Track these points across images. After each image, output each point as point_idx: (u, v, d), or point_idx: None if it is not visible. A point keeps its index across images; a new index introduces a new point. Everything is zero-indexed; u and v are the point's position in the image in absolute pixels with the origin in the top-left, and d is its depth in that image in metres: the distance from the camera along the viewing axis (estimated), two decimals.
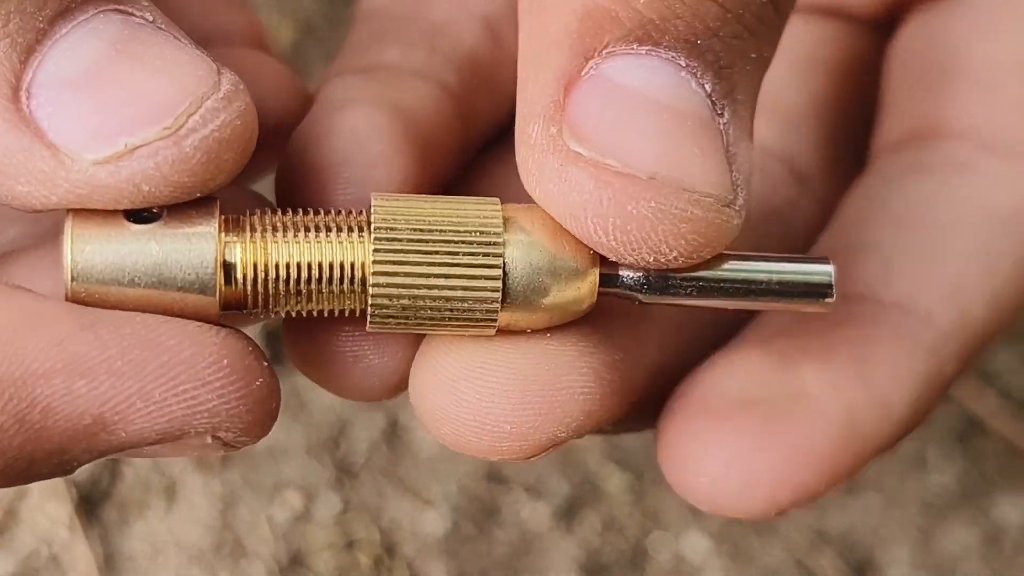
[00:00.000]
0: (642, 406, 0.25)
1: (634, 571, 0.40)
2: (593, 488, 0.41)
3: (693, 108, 0.21)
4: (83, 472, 0.37)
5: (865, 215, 0.28)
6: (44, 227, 0.26)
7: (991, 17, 0.29)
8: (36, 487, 0.38)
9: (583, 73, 0.20)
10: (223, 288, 0.21)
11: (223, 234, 0.21)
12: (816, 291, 0.22)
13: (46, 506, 0.39)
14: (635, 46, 0.20)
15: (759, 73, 0.22)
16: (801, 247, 0.28)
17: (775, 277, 0.22)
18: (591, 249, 0.21)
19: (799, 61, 0.30)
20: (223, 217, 0.21)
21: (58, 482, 0.38)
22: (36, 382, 0.19)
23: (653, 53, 0.20)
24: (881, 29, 0.31)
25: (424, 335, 0.22)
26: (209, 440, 0.21)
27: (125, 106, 0.20)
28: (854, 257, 0.27)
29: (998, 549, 0.42)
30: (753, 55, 0.21)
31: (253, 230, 0.21)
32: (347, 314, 0.22)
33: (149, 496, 0.39)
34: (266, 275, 0.21)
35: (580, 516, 0.41)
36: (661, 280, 0.22)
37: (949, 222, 0.27)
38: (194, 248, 0.21)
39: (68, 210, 0.21)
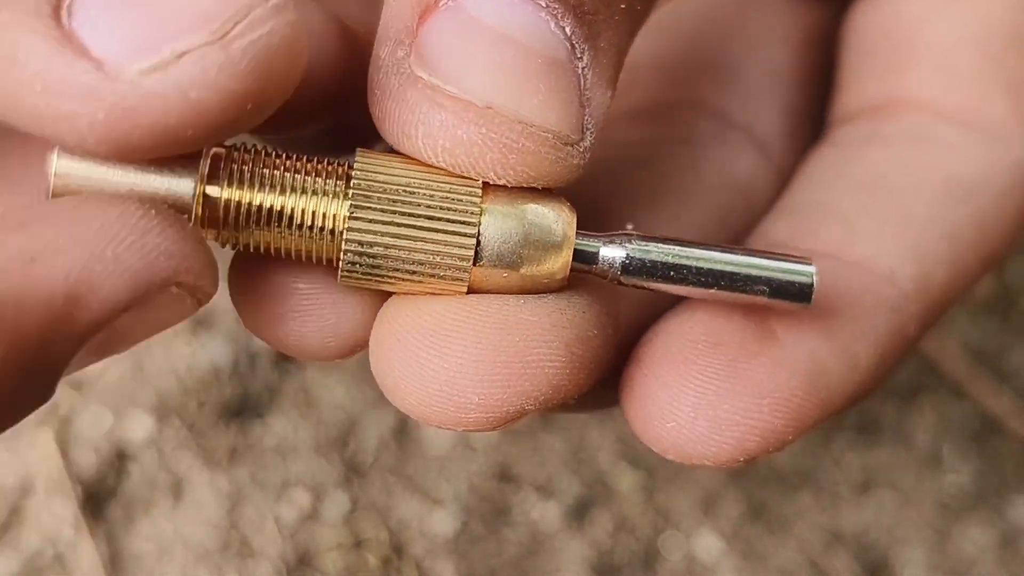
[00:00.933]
0: (606, 383, 0.25)
1: (646, 572, 0.40)
2: (604, 487, 0.41)
3: (546, 48, 0.21)
4: (89, 469, 0.39)
5: (825, 180, 0.28)
6: None
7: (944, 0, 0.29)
8: (42, 485, 0.39)
9: (441, 3, 0.21)
10: (200, 207, 0.21)
11: (208, 162, 0.21)
12: (796, 291, 0.23)
13: (51, 504, 0.39)
14: None
15: (630, 24, 0.22)
16: (761, 216, 0.28)
17: (756, 272, 0.23)
18: (569, 227, 0.22)
19: (758, 31, 0.30)
20: (214, 150, 0.21)
21: (64, 480, 0.39)
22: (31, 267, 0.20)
23: None
24: (836, 2, 0.31)
25: (385, 294, 0.22)
26: (174, 290, 0.21)
27: (168, 16, 0.20)
28: (813, 218, 0.28)
29: (1014, 550, 0.42)
30: (622, 4, 0.22)
31: (243, 165, 0.21)
32: (318, 260, 0.22)
33: (155, 494, 0.39)
34: (245, 206, 0.21)
35: (591, 516, 0.41)
36: (641, 264, 0.22)
37: (909, 188, 0.27)
38: (168, 179, 0.21)
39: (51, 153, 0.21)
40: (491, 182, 0.22)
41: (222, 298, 0.43)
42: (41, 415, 0.40)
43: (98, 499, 0.39)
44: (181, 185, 0.21)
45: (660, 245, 0.23)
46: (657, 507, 0.41)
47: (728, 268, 0.23)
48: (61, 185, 0.21)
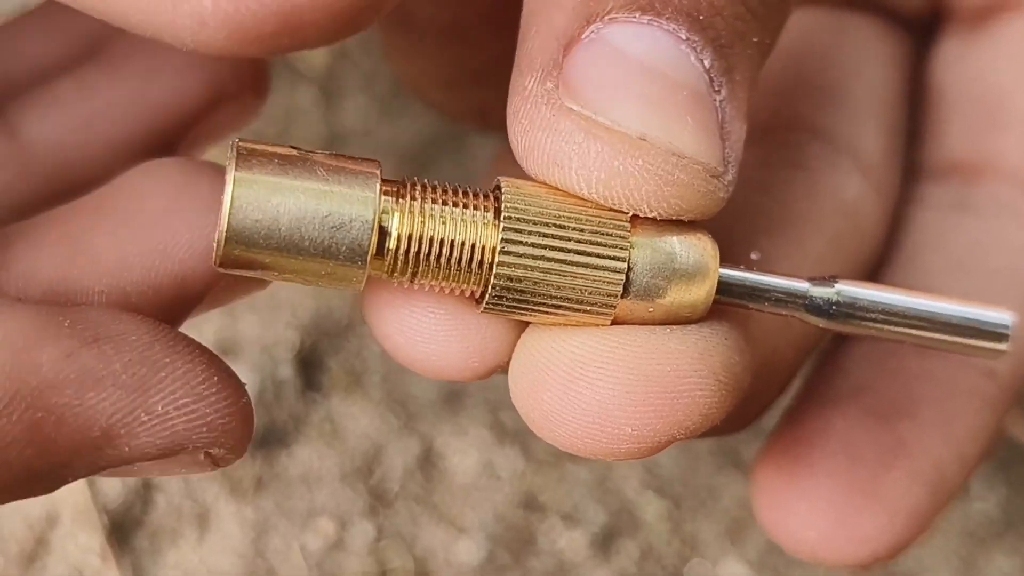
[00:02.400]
0: (748, 408, 0.25)
1: None
2: (630, 516, 0.41)
3: (689, 80, 0.21)
4: (115, 500, 0.39)
5: (921, 256, 0.29)
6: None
7: None
8: (68, 515, 0.38)
9: (584, 36, 0.21)
10: (373, 255, 0.21)
11: (383, 198, 0.21)
12: (993, 334, 0.23)
13: (78, 535, 0.38)
14: (637, 14, 0.21)
15: (759, 57, 0.22)
16: (871, 244, 0.28)
17: (955, 316, 0.23)
18: (712, 260, 0.22)
19: (856, 54, 0.30)
20: (382, 183, 0.21)
21: (90, 510, 0.38)
22: (51, 392, 0.20)
23: (654, 23, 0.21)
24: (920, 34, 0.31)
25: (523, 323, 0.23)
26: (201, 457, 0.22)
27: None
28: None
29: None
30: (755, 38, 0.22)
31: (412, 199, 0.22)
32: (463, 294, 0.22)
33: (181, 524, 0.39)
34: (410, 246, 0.21)
35: (617, 545, 0.40)
36: (841, 308, 0.23)
37: (1003, 272, 0.28)
38: (351, 207, 0.21)
39: (232, 150, 0.21)
40: (642, 215, 0.21)
41: (247, 326, 0.43)
42: None
43: (124, 529, 0.39)
44: (360, 216, 0.21)
45: (863, 290, 0.23)
46: (683, 536, 0.41)
47: (931, 312, 0.23)
48: (239, 227, 0.21)
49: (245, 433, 0.23)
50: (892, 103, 0.30)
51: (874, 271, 0.29)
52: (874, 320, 0.23)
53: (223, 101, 0.29)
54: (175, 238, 0.24)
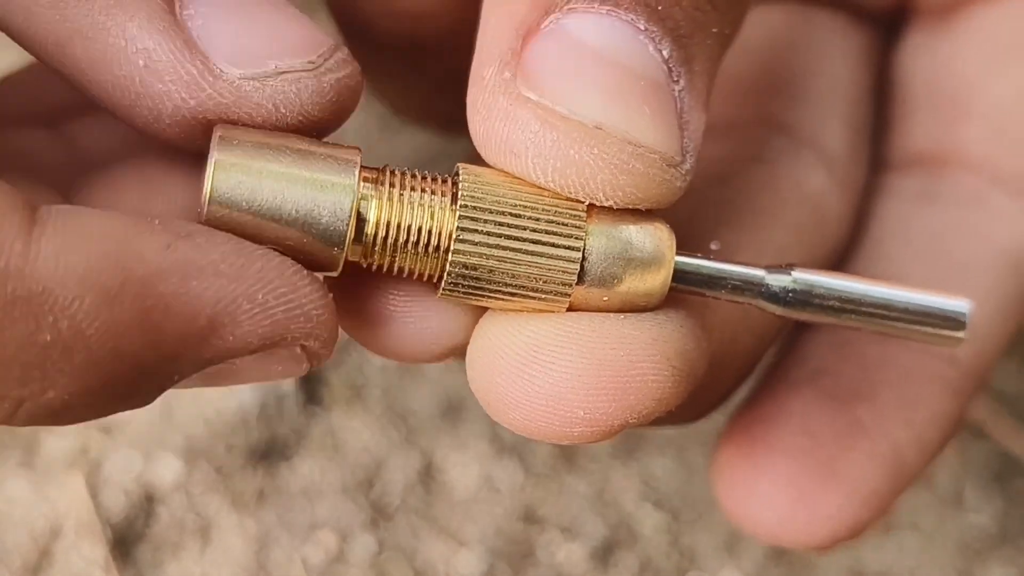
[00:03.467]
0: (703, 397, 0.25)
1: None
2: (628, 529, 0.41)
3: (647, 70, 0.21)
4: (118, 513, 0.39)
5: (885, 244, 0.29)
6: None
7: (999, 53, 0.30)
8: (71, 527, 0.38)
9: (543, 26, 0.21)
10: (351, 240, 0.21)
11: (362, 185, 0.22)
12: (950, 321, 0.23)
13: (81, 547, 0.38)
14: (596, 4, 0.21)
15: (719, 48, 0.23)
16: (833, 236, 0.29)
17: (914, 304, 0.23)
18: (669, 249, 0.22)
19: (820, 49, 0.30)
20: (362, 169, 0.22)
21: (93, 522, 0.38)
22: (156, 280, 0.20)
23: (613, 13, 0.21)
24: (886, 28, 0.31)
25: (480, 308, 0.23)
26: (298, 350, 0.22)
27: (274, 36, 0.22)
28: None
29: None
30: (714, 29, 0.22)
31: (390, 187, 0.22)
32: (420, 277, 0.22)
33: (184, 537, 0.39)
34: (387, 233, 0.22)
35: (616, 557, 0.40)
36: (798, 296, 0.23)
37: (966, 261, 0.28)
38: (330, 193, 0.21)
39: (216, 130, 0.22)
40: (597, 203, 0.22)
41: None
42: (71, 458, 0.40)
43: (127, 542, 0.38)
44: (338, 203, 0.22)
45: (819, 278, 0.23)
46: (681, 548, 0.41)
47: (888, 300, 0.23)
48: (216, 209, 0.22)
49: (335, 327, 0.23)
50: (857, 97, 0.30)
51: (839, 261, 0.29)
52: (831, 307, 0.23)
53: None
54: None
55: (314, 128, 0.23)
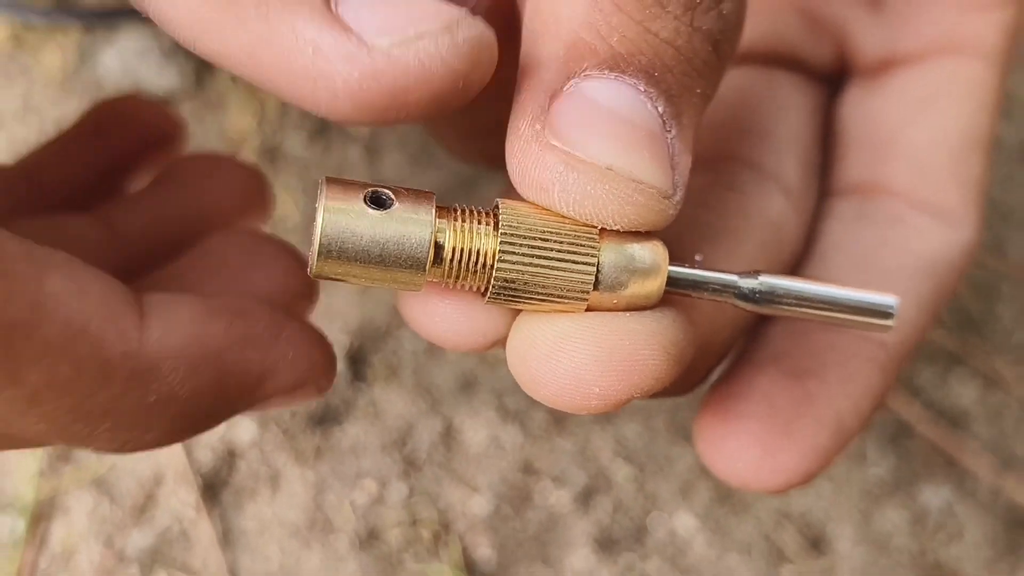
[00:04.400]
0: (690, 375, 0.25)
1: (637, 544, 0.40)
2: (605, 478, 0.41)
3: (646, 123, 0.21)
4: (207, 464, 0.40)
5: (829, 255, 0.29)
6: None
7: (914, 107, 0.29)
8: (171, 476, 0.39)
9: (565, 88, 0.21)
10: (432, 265, 0.21)
11: (437, 221, 0.21)
12: (880, 314, 0.23)
13: (178, 491, 0.39)
14: (606, 72, 0.21)
15: (702, 105, 0.23)
16: (790, 249, 0.29)
17: (852, 299, 0.23)
18: (663, 261, 0.22)
19: (780, 102, 0.30)
20: (436, 208, 0.22)
21: (187, 472, 0.39)
22: (224, 352, 0.21)
23: (619, 79, 0.21)
24: (830, 86, 0.31)
25: (517, 311, 0.23)
26: (312, 390, 0.23)
27: (411, 10, 0.21)
28: None
29: (922, 527, 0.42)
30: (698, 90, 0.22)
31: (454, 220, 0.21)
32: (471, 289, 0.22)
33: (258, 484, 0.40)
34: (459, 257, 0.21)
35: (594, 501, 0.41)
36: (770, 295, 0.23)
37: (892, 267, 0.28)
38: (414, 230, 0.21)
39: (322, 181, 0.21)
40: (608, 227, 0.22)
41: (322, 326, 0.42)
42: None
43: (214, 488, 0.40)
44: (419, 236, 0.21)
45: (782, 281, 0.23)
46: (646, 493, 0.41)
47: (828, 297, 0.23)
48: (328, 245, 0.21)
49: (334, 368, 0.24)
50: (808, 140, 0.30)
51: (794, 268, 0.29)
52: (789, 304, 0.23)
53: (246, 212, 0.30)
54: (256, 284, 0.25)
55: (460, 80, 0.22)
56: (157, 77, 0.45)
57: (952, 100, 0.29)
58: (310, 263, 0.21)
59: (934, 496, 0.42)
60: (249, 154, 0.45)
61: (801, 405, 0.26)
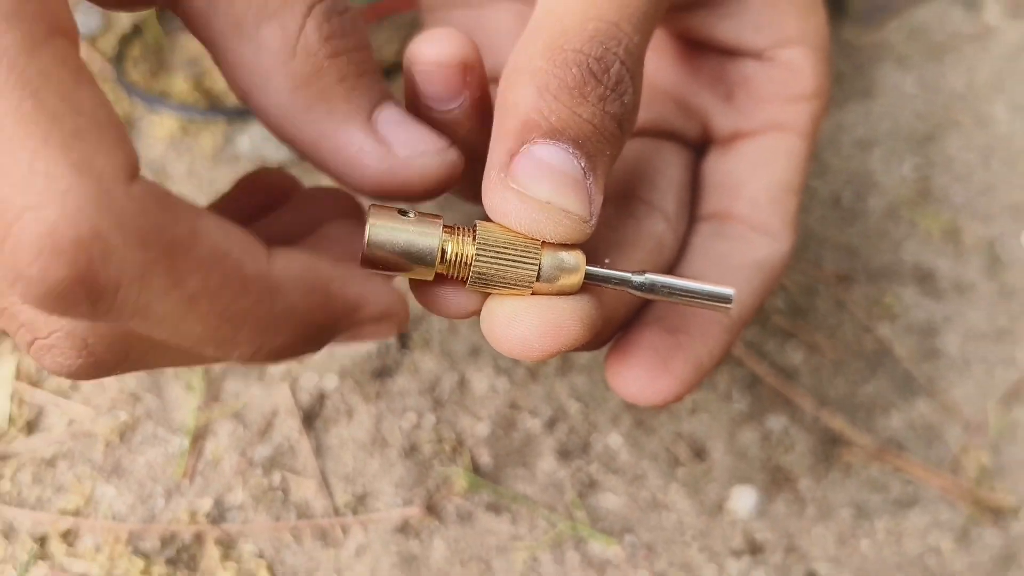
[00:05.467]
0: (599, 337, 0.25)
1: (584, 454, 0.41)
2: (563, 411, 0.42)
3: (573, 173, 0.21)
4: (306, 402, 0.40)
5: (696, 259, 0.29)
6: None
7: (753, 166, 0.30)
8: (282, 410, 0.40)
9: (521, 150, 0.21)
10: (439, 263, 0.21)
11: (442, 235, 0.21)
12: (723, 300, 0.23)
13: (287, 420, 0.40)
14: (548, 140, 0.21)
15: (610, 163, 0.22)
16: (668, 256, 0.28)
17: (704, 290, 0.23)
18: (582, 262, 0.22)
19: (664, 159, 0.30)
20: (443, 224, 0.21)
21: (293, 409, 0.40)
22: (331, 284, 0.21)
23: (556, 144, 0.21)
24: (698, 150, 0.31)
25: (488, 294, 0.22)
26: (393, 324, 0.23)
27: (421, 137, 0.22)
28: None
29: (768, 443, 0.43)
30: (608, 153, 0.22)
31: (452, 234, 0.21)
32: (458, 280, 0.22)
33: (339, 416, 0.40)
34: (456, 259, 0.21)
35: (556, 427, 0.42)
36: (652, 286, 0.23)
37: (736, 268, 0.28)
38: (428, 239, 0.21)
39: (369, 207, 0.21)
40: (547, 240, 0.21)
41: None
42: (282, 376, 0.41)
43: (310, 418, 0.40)
44: (430, 243, 0.21)
45: (660, 278, 0.23)
46: (590, 421, 0.42)
47: (691, 289, 0.23)
48: (375, 237, 0.21)
49: (408, 312, 0.23)
50: (682, 185, 0.30)
51: (671, 269, 0.28)
52: (665, 293, 0.23)
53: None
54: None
55: (441, 181, 0.22)
56: (275, 152, 0.45)
57: (776, 161, 0.29)
58: (360, 258, 0.21)
59: (776, 423, 0.43)
60: None
61: (673, 349, 0.26)
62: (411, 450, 0.40)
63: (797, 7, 0.29)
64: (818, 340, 0.45)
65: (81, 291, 0.16)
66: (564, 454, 0.41)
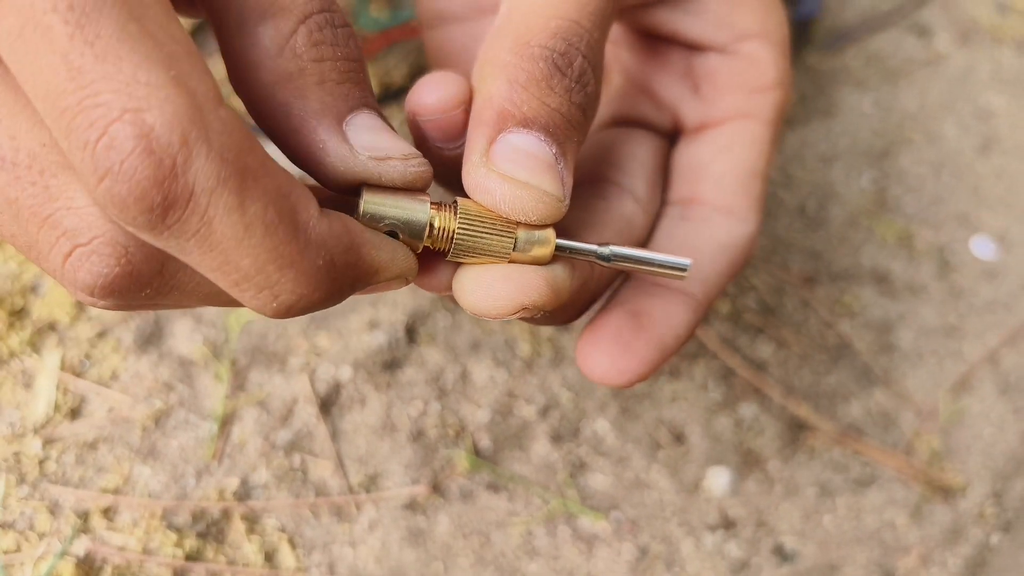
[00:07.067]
0: (570, 308, 0.25)
1: (574, 438, 0.41)
2: (555, 399, 0.42)
3: (546, 157, 0.21)
4: (323, 392, 0.40)
5: (664, 239, 0.28)
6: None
7: (716, 152, 0.29)
8: (301, 398, 0.40)
9: (498, 137, 0.21)
10: (427, 235, 0.21)
11: (432, 210, 0.21)
12: (680, 269, 0.23)
13: (306, 407, 0.40)
14: (521, 128, 0.21)
15: (577, 148, 0.22)
16: (639, 235, 0.28)
17: (662, 260, 0.23)
18: (553, 237, 0.22)
19: (636, 144, 0.29)
20: (430, 201, 0.21)
21: (311, 396, 0.40)
22: (360, 248, 0.20)
23: (528, 132, 0.21)
24: (669, 139, 0.31)
25: (462, 264, 0.22)
26: (404, 281, 0.22)
27: (388, 142, 0.21)
28: None
29: (740, 428, 0.43)
30: (575, 139, 0.22)
31: (439, 210, 0.21)
32: (440, 252, 0.21)
33: (352, 403, 0.40)
34: (438, 232, 0.21)
35: (550, 413, 0.42)
36: (616, 257, 0.22)
37: (703, 247, 0.28)
38: (418, 215, 0.21)
39: (363, 187, 0.20)
40: (524, 221, 0.21)
41: (386, 313, 0.43)
42: (300, 367, 0.41)
43: (327, 405, 0.40)
44: (419, 217, 0.21)
45: (622, 248, 0.23)
46: (580, 409, 0.42)
47: (650, 258, 0.23)
48: (368, 211, 0.20)
49: (415, 271, 0.22)
50: (653, 169, 0.29)
51: (641, 246, 0.27)
52: (628, 263, 0.23)
53: None
54: None
55: (414, 186, 0.21)
56: (290, 168, 0.36)
57: (741, 147, 0.29)
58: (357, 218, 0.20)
59: (747, 410, 0.43)
60: None
61: (636, 331, 0.26)
62: (418, 434, 0.40)
63: (754, 4, 0.29)
64: (785, 335, 0.45)
65: (159, 194, 0.16)
66: (556, 438, 0.41)
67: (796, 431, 0.43)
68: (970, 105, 0.56)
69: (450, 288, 0.22)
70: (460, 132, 0.22)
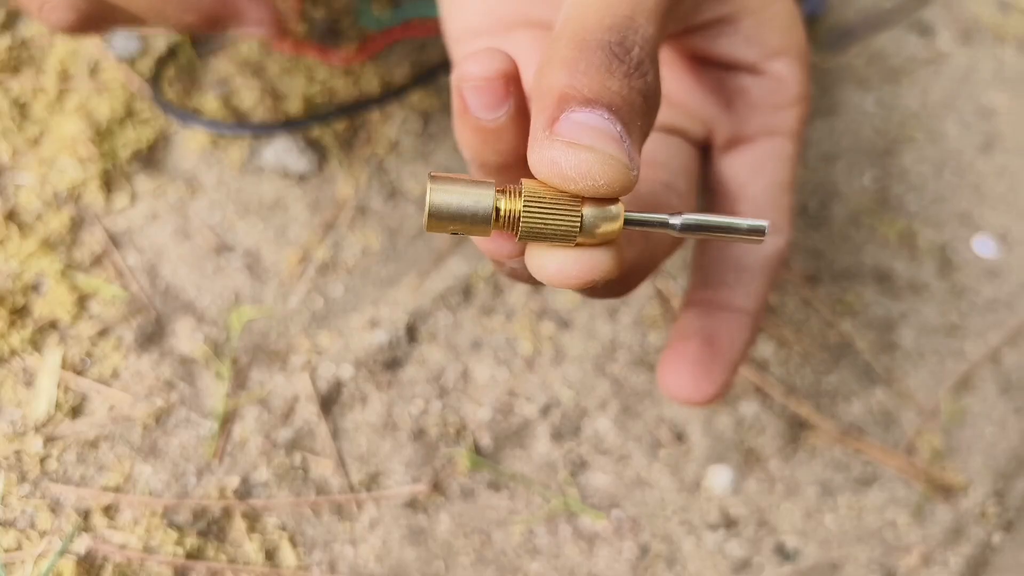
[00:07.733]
0: (627, 281, 0.26)
1: (575, 437, 0.41)
2: (556, 399, 0.42)
3: (611, 131, 0.21)
4: (324, 390, 0.40)
5: (715, 257, 0.30)
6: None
7: (753, 167, 0.30)
8: (302, 396, 0.39)
9: (561, 115, 0.21)
10: (494, 219, 0.21)
11: (496, 194, 0.21)
12: (757, 231, 0.22)
13: (307, 406, 0.39)
14: (585, 107, 0.21)
15: (641, 134, 0.22)
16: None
17: (738, 224, 0.22)
18: (621, 212, 0.21)
19: (677, 151, 0.30)
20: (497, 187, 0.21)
21: (312, 395, 0.39)
22: None
23: (593, 110, 0.21)
24: (703, 149, 0.32)
25: (530, 244, 0.22)
26: (265, 28, 0.31)
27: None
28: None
29: (741, 426, 0.42)
30: (638, 123, 0.22)
31: (504, 194, 0.21)
32: (512, 232, 0.22)
33: (354, 402, 0.40)
34: (504, 215, 0.21)
35: (551, 411, 0.41)
36: (690, 226, 0.22)
37: (750, 263, 0.29)
38: (484, 200, 0.21)
39: (430, 174, 0.21)
40: (593, 195, 0.21)
41: (389, 311, 0.42)
42: (302, 365, 0.40)
43: (328, 404, 0.40)
44: (486, 203, 0.21)
45: (696, 216, 0.22)
46: (581, 407, 0.42)
47: (727, 223, 0.22)
48: (434, 209, 0.21)
49: (279, 19, 0.28)
50: (692, 172, 0.30)
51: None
52: (703, 230, 0.22)
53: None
54: None
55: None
56: (295, 164, 0.44)
57: (772, 164, 0.30)
58: (424, 223, 0.21)
59: (748, 409, 0.43)
60: (348, 211, 0.44)
61: (713, 356, 0.28)
62: (419, 433, 0.40)
63: (780, 23, 0.30)
64: (787, 334, 0.45)
65: None
66: (557, 437, 0.41)
67: (797, 430, 0.43)
68: (972, 104, 0.55)
69: (522, 253, 0.23)
70: (501, 100, 0.23)
